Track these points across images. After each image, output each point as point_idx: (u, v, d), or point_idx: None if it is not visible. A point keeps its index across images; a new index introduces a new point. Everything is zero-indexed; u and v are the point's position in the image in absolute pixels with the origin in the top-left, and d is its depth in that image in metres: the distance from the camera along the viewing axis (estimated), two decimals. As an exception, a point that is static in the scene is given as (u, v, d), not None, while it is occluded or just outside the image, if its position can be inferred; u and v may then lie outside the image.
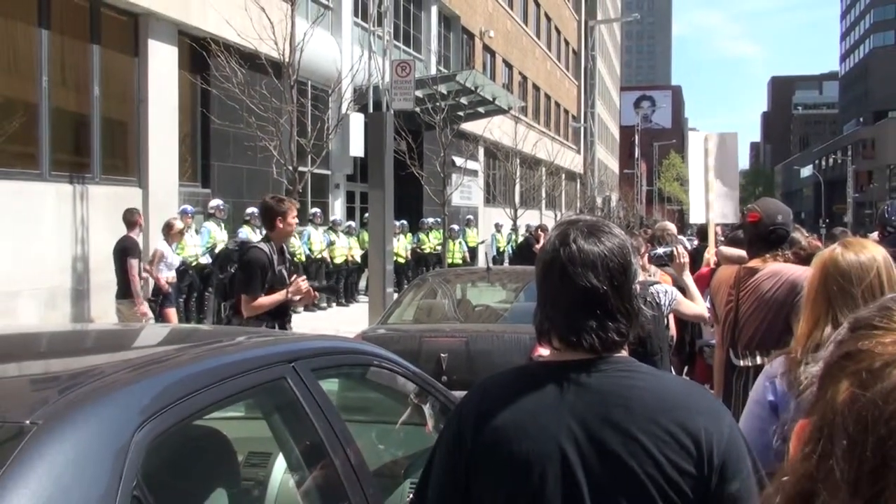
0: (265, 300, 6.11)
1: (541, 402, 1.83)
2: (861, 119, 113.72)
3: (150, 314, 10.64)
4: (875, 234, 7.28)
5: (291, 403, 2.53)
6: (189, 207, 14.18)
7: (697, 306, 5.45)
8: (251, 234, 14.37)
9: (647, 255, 6.13)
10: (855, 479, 0.82)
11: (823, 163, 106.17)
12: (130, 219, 10.57)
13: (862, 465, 0.81)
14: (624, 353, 1.90)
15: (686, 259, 5.56)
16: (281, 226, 6.27)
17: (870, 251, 2.70)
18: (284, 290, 6.20)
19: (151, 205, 14.05)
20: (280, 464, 2.97)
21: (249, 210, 15.49)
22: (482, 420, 1.86)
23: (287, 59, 11.91)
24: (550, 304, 1.89)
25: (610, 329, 1.83)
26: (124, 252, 10.25)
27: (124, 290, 10.27)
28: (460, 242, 24.35)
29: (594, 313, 1.83)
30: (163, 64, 14.71)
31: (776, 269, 4.24)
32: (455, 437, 1.90)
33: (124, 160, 14.43)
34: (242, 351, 2.72)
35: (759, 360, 4.10)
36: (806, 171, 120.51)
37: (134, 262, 10.24)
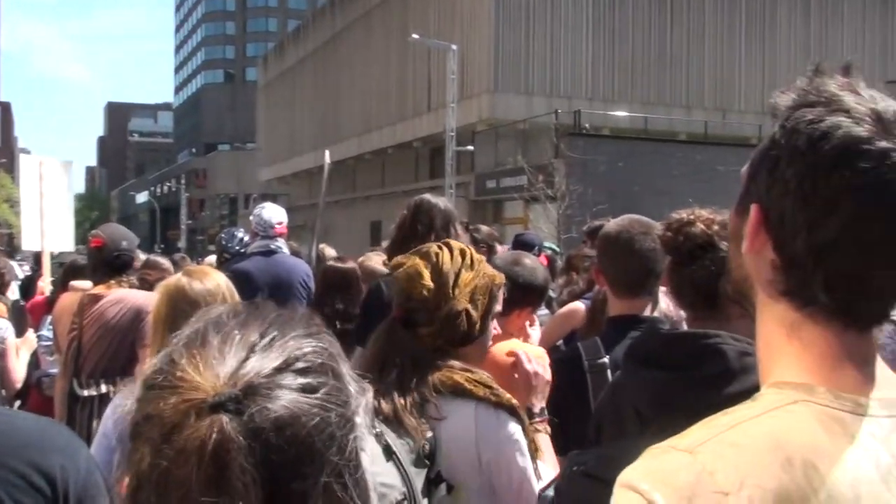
0: None
1: None
2: (194, 150, 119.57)
3: None
4: (211, 258, 7.72)
5: None
6: None
7: (16, 373, 4.98)
8: None
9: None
10: None
11: (159, 190, 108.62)
12: None
13: None
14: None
15: None
16: None
17: (213, 279, 2.86)
18: None
19: None
20: None
21: None
22: None
23: None
24: None
25: None
26: None
27: None
28: None
29: None
30: None
31: (121, 296, 4.24)
32: None
33: None
34: None
35: (103, 388, 4.06)
36: (142, 198, 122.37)
37: None
